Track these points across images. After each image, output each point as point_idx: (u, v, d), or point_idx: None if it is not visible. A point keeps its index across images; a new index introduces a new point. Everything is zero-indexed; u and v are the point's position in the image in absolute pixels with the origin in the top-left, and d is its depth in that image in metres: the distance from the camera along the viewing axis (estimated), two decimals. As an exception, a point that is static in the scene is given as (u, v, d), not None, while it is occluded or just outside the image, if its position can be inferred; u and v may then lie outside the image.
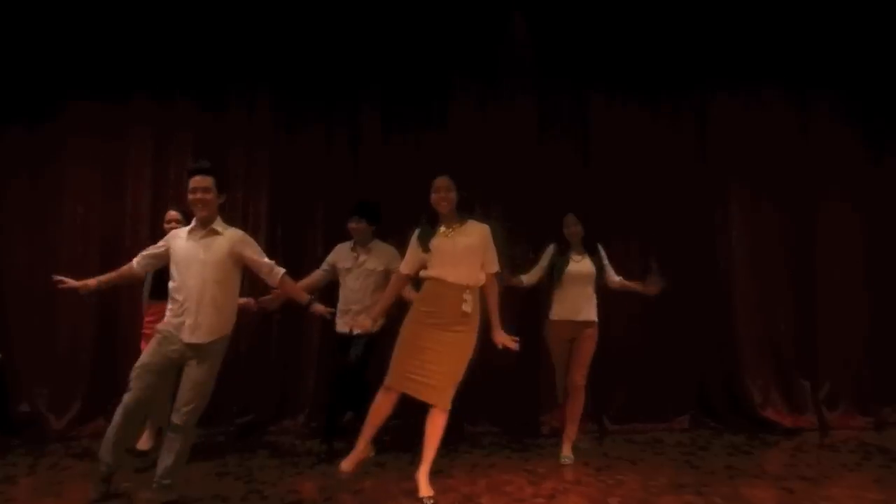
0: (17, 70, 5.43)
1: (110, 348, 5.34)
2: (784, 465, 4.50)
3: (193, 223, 3.70)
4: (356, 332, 4.46)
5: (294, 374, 5.53)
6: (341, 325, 4.73)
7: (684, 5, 5.63)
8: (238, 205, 5.55)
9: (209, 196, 3.61)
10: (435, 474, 3.85)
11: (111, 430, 3.62)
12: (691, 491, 3.85)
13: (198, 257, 3.59)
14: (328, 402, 4.87)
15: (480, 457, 4.67)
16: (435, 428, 3.66)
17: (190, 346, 3.55)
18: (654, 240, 5.57)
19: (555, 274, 4.59)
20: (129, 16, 5.43)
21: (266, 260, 3.78)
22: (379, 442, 4.77)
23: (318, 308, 3.88)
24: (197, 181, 3.62)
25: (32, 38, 5.42)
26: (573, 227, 4.61)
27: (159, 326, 3.66)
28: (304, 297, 3.90)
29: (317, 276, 4.85)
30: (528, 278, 4.67)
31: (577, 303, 4.55)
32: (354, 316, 4.53)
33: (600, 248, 4.71)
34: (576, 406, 4.56)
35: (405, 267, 3.89)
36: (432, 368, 3.64)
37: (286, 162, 5.63)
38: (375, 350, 4.55)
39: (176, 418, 3.57)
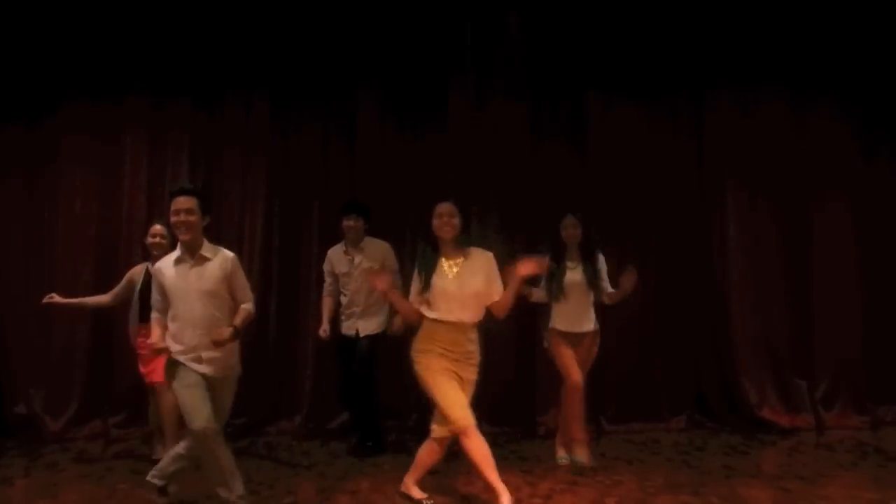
0: (13, 71, 5.41)
1: (106, 350, 5.32)
2: (781, 464, 4.50)
3: (179, 250, 3.48)
4: (363, 334, 4.63)
5: (291, 375, 5.52)
6: (347, 328, 4.76)
7: (682, 7, 5.63)
8: (235, 205, 5.55)
9: (193, 218, 3.40)
10: (432, 474, 3.85)
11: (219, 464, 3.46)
12: (688, 491, 3.85)
13: (192, 288, 3.41)
14: (350, 411, 5.01)
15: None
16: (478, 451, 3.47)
17: (208, 377, 3.44)
18: (650, 241, 5.57)
19: (553, 287, 4.39)
20: (124, 16, 5.41)
21: (242, 295, 3.57)
22: (378, 443, 4.77)
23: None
24: (180, 202, 3.41)
25: (28, 38, 5.41)
26: (571, 230, 4.43)
27: (174, 355, 3.44)
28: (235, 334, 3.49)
29: (332, 296, 4.83)
30: (538, 294, 4.49)
31: (578, 313, 4.40)
32: (359, 318, 4.68)
33: (599, 256, 4.52)
34: (572, 401, 4.40)
35: (415, 299, 3.67)
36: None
37: (283, 162, 5.63)
38: (379, 348, 4.68)
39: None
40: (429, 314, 3.58)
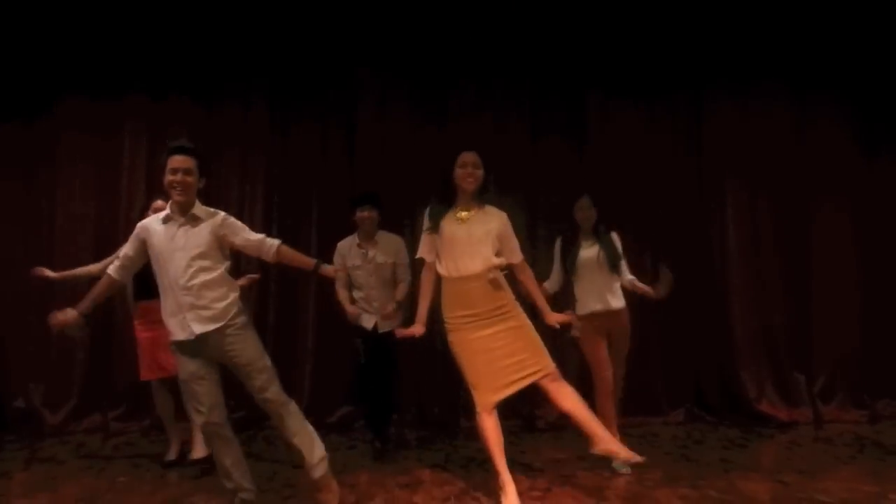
0: (11, 67, 5.42)
1: (105, 344, 5.33)
2: (779, 458, 4.51)
3: (168, 209, 3.29)
4: (381, 330, 4.47)
5: (290, 369, 5.51)
6: (367, 321, 4.55)
7: (681, 7, 5.60)
8: (233, 198, 5.56)
9: (190, 179, 3.23)
10: (432, 468, 3.86)
11: (221, 460, 3.36)
12: (686, 484, 3.86)
13: (178, 246, 3.20)
14: (366, 406, 4.74)
15: (476, 451, 4.67)
16: (569, 397, 3.44)
17: (208, 336, 3.20)
18: (649, 236, 5.57)
19: (568, 265, 4.25)
20: (122, 12, 5.40)
21: (254, 237, 3.39)
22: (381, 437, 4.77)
23: (328, 270, 3.44)
24: (178, 161, 3.22)
25: (26, 35, 5.40)
26: (586, 211, 4.26)
27: (171, 344, 3.30)
28: (310, 263, 3.43)
29: (346, 287, 4.61)
30: (551, 284, 4.33)
31: (600, 291, 4.19)
32: (379, 313, 4.48)
33: (614, 235, 4.34)
34: (604, 396, 4.15)
35: (428, 254, 3.56)
36: (513, 361, 3.43)
37: (282, 158, 5.63)
38: (399, 346, 4.31)
39: (263, 404, 3.39)
40: (441, 270, 3.49)
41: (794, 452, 4.66)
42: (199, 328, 3.18)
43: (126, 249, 3.33)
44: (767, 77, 5.70)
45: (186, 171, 3.22)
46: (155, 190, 5.42)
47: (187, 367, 3.24)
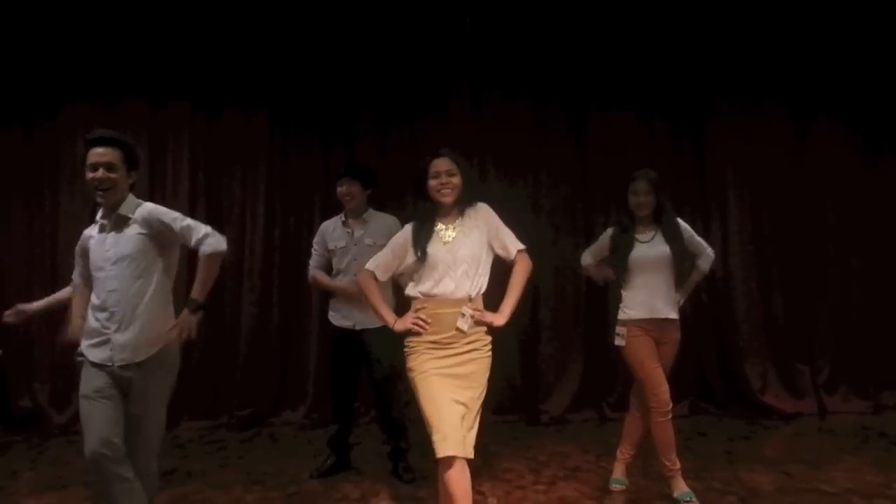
0: (12, 75, 5.43)
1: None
2: (783, 449, 4.51)
3: (100, 213, 2.77)
4: (360, 327, 3.86)
5: (295, 364, 5.54)
6: (340, 319, 3.96)
7: (683, 23, 5.58)
8: (236, 202, 5.59)
9: (115, 175, 2.66)
10: (433, 463, 3.86)
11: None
12: (691, 476, 3.85)
13: (109, 255, 2.69)
14: (340, 419, 4.11)
15: (481, 445, 4.66)
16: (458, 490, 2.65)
17: (124, 369, 2.66)
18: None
19: (618, 261, 3.57)
20: (124, 22, 5.37)
21: (186, 229, 2.70)
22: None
23: (190, 320, 2.69)
24: (97, 155, 2.66)
25: (28, 43, 5.40)
26: (643, 197, 3.48)
27: (84, 353, 2.76)
28: (195, 294, 2.72)
29: (322, 268, 4.07)
30: (602, 272, 3.74)
31: (651, 296, 3.48)
32: (357, 307, 3.75)
33: (679, 221, 3.57)
34: (661, 425, 3.45)
35: (382, 272, 2.93)
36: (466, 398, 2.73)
37: (282, 166, 5.64)
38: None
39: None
40: (411, 291, 2.89)
41: (798, 444, 4.66)
42: (118, 355, 2.69)
43: (78, 268, 2.91)
44: (769, 91, 5.67)
45: (108, 166, 2.66)
46: (156, 197, 5.46)
47: (85, 384, 2.71)
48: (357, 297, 3.60)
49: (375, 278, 2.93)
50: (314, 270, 4.10)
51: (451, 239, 2.86)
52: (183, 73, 5.51)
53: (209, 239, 2.69)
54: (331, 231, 4.06)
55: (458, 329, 2.77)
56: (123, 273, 2.66)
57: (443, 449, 2.57)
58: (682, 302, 3.62)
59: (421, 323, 2.78)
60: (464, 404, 2.68)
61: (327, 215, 5.41)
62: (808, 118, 5.74)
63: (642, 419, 3.62)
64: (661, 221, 3.52)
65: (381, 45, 5.55)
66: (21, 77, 5.44)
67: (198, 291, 2.71)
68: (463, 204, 2.92)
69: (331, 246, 4.02)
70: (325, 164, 5.61)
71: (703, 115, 5.70)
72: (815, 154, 5.71)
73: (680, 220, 3.58)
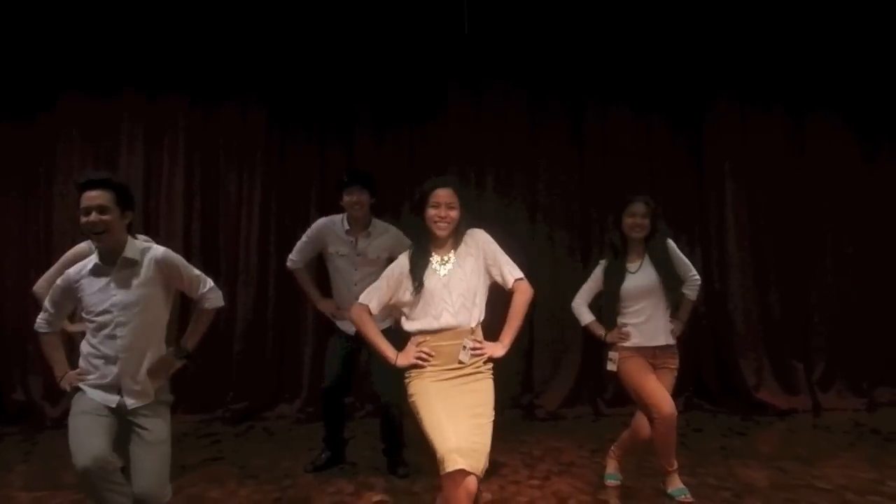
0: (9, 67, 5.39)
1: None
2: (777, 445, 4.53)
3: (95, 257, 2.69)
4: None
5: (290, 358, 5.54)
6: (347, 325, 3.83)
7: (681, 19, 5.57)
8: (232, 196, 5.58)
9: (108, 218, 2.57)
10: (429, 458, 3.85)
11: None
12: (686, 472, 3.84)
13: (113, 301, 2.61)
14: (328, 425, 4.08)
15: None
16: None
17: (133, 412, 2.66)
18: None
19: (608, 294, 3.50)
20: (122, 14, 5.34)
21: (193, 281, 2.77)
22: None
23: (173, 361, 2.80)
24: (90, 198, 2.57)
25: (25, 36, 5.37)
26: (640, 219, 3.40)
27: (83, 386, 2.72)
28: (184, 344, 2.82)
29: (306, 263, 4.07)
30: (583, 305, 3.64)
31: (645, 324, 3.43)
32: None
33: (670, 245, 3.52)
34: (664, 436, 3.32)
35: (376, 306, 2.83)
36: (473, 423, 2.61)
37: (279, 163, 5.62)
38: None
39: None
40: (409, 327, 2.81)
41: (792, 440, 4.67)
42: (127, 401, 2.67)
43: (51, 312, 2.79)
44: (767, 87, 5.68)
45: (101, 209, 2.56)
46: (151, 196, 5.46)
47: (80, 404, 2.71)
48: (341, 318, 3.83)
49: (370, 311, 2.85)
50: (297, 265, 4.05)
51: (447, 272, 2.81)
52: (181, 67, 5.49)
53: (211, 294, 2.79)
54: (332, 234, 3.97)
55: (459, 361, 2.73)
56: (133, 319, 2.62)
57: (450, 463, 2.42)
58: (678, 332, 3.53)
59: (424, 356, 2.72)
60: (472, 423, 2.58)
61: (323, 211, 5.43)
62: (805, 114, 5.76)
63: (644, 431, 3.48)
64: (649, 247, 3.47)
65: (380, 42, 5.54)
66: (18, 68, 5.41)
67: (192, 342, 2.80)
68: (459, 235, 2.86)
69: (331, 250, 3.96)
70: (322, 160, 5.61)
71: (700, 110, 5.72)
72: (812, 150, 5.73)
73: (671, 242, 3.53)
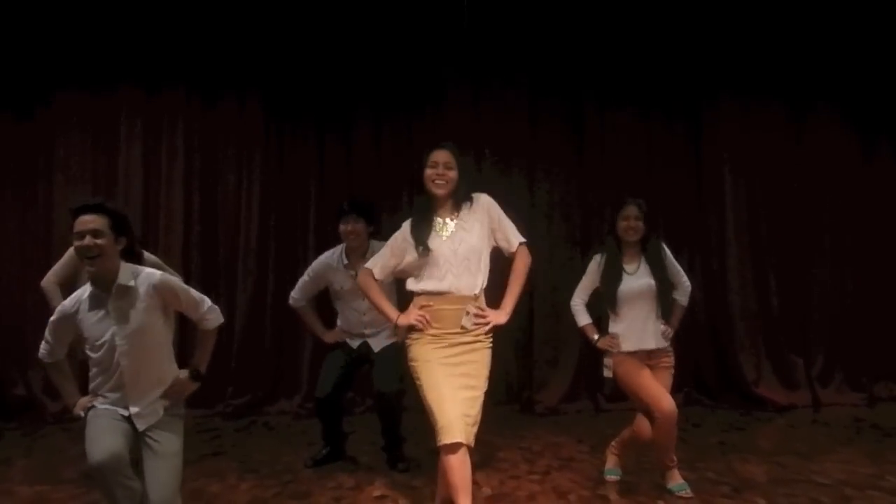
0: (7, 62, 5.39)
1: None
2: (777, 440, 4.53)
3: (89, 285, 2.66)
4: (377, 349, 3.91)
5: (290, 353, 5.54)
6: (351, 339, 4.01)
7: (680, 16, 5.57)
8: (231, 189, 5.57)
9: (101, 242, 2.54)
10: (429, 452, 3.86)
11: None
12: (685, 466, 3.85)
13: (112, 331, 2.58)
14: (325, 422, 4.06)
15: (475, 434, 4.69)
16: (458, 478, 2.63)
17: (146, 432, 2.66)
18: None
19: (607, 294, 3.50)
20: (121, 9, 5.34)
21: (194, 304, 2.77)
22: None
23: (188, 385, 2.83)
24: (83, 223, 2.55)
25: (23, 30, 5.36)
26: (633, 222, 3.42)
27: (96, 404, 2.66)
28: (193, 368, 2.84)
29: (314, 307, 4.17)
30: (580, 303, 3.66)
31: (639, 328, 3.44)
32: (371, 338, 3.92)
33: (663, 248, 3.55)
34: (665, 433, 3.35)
35: (380, 271, 2.94)
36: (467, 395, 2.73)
37: (278, 155, 5.62)
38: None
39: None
40: (413, 287, 2.88)
41: (791, 435, 4.68)
42: (142, 425, 2.66)
43: (53, 343, 2.72)
44: (767, 84, 5.68)
45: (95, 233, 2.54)
46: (150, 189, 5.45)
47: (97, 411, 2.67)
48: (350, 338, 3.96)
49: (374, 276, 2.94)
50: (301, 303, 4.13)
51: (450, 233, 2.86)
52: (178, 60, 5.49)
53: (210, 315, 2.79)
54: (332, 271, 3.99)
55: (462, 327, 2.79)
56: (135, 346, 2.62)
57: (448, 435, 2.58)
58: (671, 335, 3.53)
59: (423, 320, 2.78)
60: (467, 395, 2.70)
61: (322, 204, 5.47)
62: (805, 110, 5.76)
63: (646, 433, 3.47)
64: (646, 250, 3.49)
65: (379, 35, 5.53)
66: (15, 63, 5.41)
67: (203, 363, 2.84)
68: (460, 198, 2.92)
69: (335, 287, 3.99)
70: (321, 152, 5.61)
71: (699, 106, 5.72)
72: (812, 146, 5.73)
73: (665, 248, 3.56)
